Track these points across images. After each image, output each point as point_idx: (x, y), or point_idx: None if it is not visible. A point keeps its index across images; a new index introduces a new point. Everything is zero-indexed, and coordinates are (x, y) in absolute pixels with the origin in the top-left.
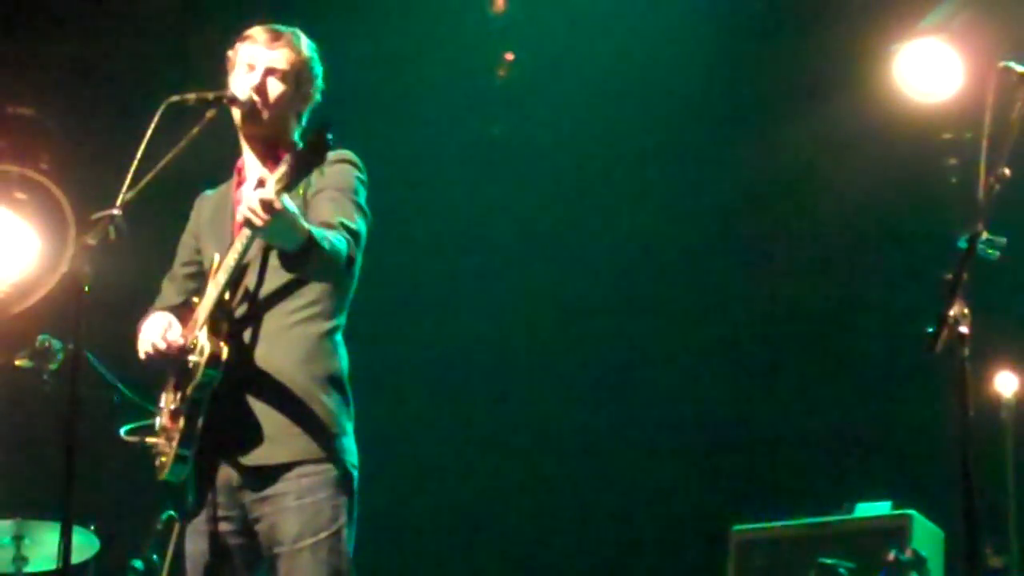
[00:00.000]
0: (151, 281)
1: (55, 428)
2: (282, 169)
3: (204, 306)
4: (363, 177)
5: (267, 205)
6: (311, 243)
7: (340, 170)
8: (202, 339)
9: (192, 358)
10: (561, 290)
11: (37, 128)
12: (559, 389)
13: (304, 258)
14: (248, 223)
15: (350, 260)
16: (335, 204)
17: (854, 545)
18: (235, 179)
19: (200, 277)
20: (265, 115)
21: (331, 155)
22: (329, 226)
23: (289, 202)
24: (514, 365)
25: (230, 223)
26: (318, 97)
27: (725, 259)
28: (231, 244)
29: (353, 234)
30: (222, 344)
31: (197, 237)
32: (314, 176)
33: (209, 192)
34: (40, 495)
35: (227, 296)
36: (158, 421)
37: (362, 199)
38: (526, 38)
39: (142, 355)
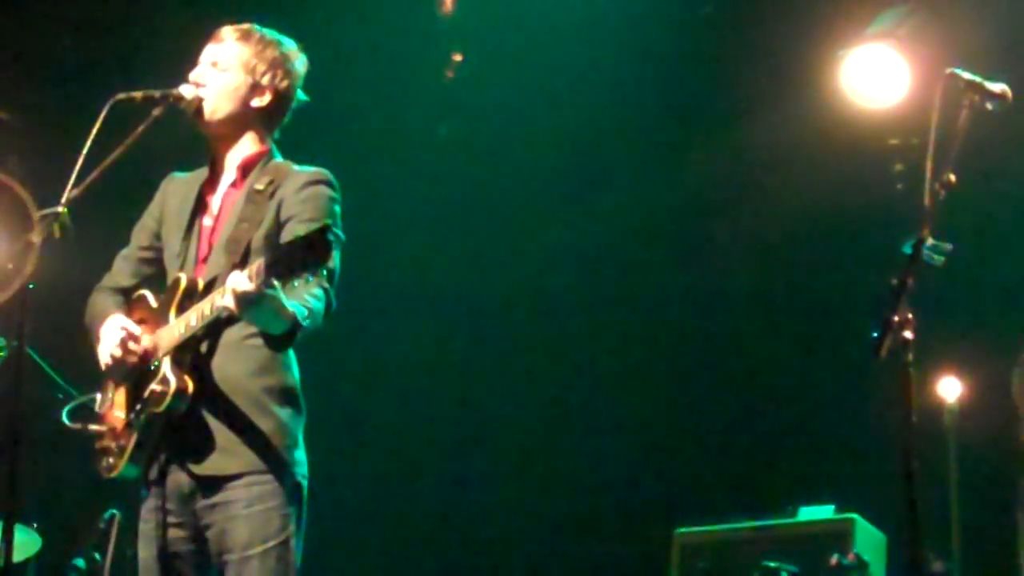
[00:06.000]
0: (95, 278)
1: None
2: (262, 260)
3: (169, 336)
4: (338, 197)
5: (247, 298)
6: (296, 327)
7: (316, 194)
8: (165, 368)
9: (155, 386)
10: (509, 295)
11: (5, 129)
12: (507, 389)
13: (287, 339)
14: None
15: (327, 311)
16: None
17: (797, 548)
18: (207, 172)
19: (156, 263)
20: (211, 113)
21: (306, 171)
22: None
23: (276, 288)
24: (465, 366)
25: (193, 216)
26: (297, 96)
27: (672, 262)
28: (191, 235)
29: (330, 277)
30: (187, 378)
31: (159, 222)
32: (287, 193)
33: (179, 175)
34: None
35: (199, 335)
36: (99, 405)
37: (337, 226)
38: (475, 38)
39: (104, 365)
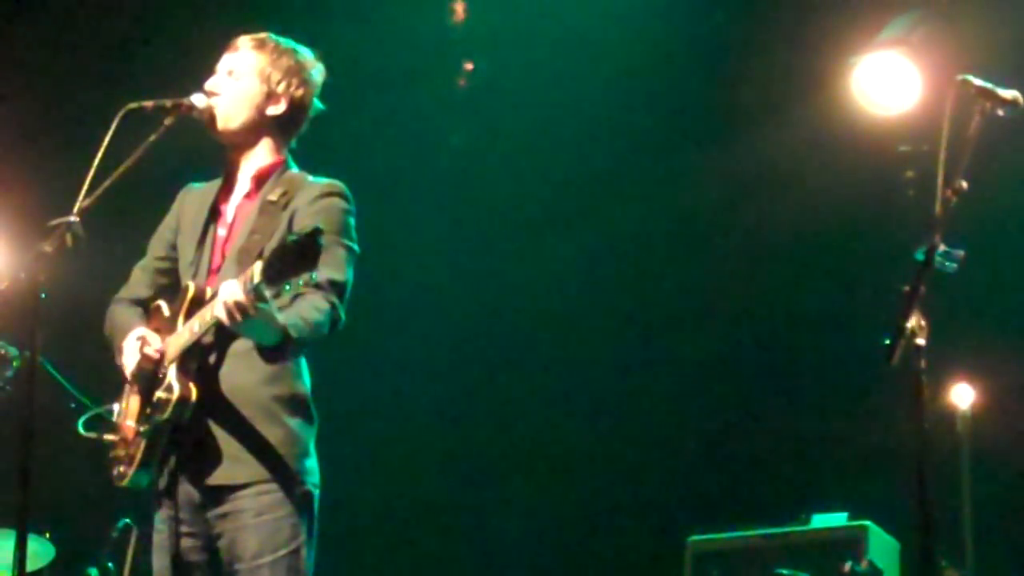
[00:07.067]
0: (108, 288)
1: (11, 435)
2: (260, 266)
3: (175, 343)
4: (352, 209)
5: (239, 308)
6: (287, 339)
7: (329, 206)
8: (171, 376)
9: (160, 394)
10: (520, 302)
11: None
12: (517, 395)
13: (280, 352)
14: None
15: (333, 325)
16: (324, 254)
17: (810, 556)
18: (221, 182)
19: (172, 274)
20: (225, 121)
21: (320, 183)
22: (316, 284)
23: (267, 299)
24: (476, 374)
25: (207, 226)
26: (314, 105)
27: (683, 269)
28: (204, 245)
29: (340, 291)
30: (191, 386)
31: (176, 232)
32: (301, 204)
33: (196, 186)
34: None
35: (205, 343)
36: (116, 416)
37: (351, 239)
38: (486, 48)
39: (130, 375)
